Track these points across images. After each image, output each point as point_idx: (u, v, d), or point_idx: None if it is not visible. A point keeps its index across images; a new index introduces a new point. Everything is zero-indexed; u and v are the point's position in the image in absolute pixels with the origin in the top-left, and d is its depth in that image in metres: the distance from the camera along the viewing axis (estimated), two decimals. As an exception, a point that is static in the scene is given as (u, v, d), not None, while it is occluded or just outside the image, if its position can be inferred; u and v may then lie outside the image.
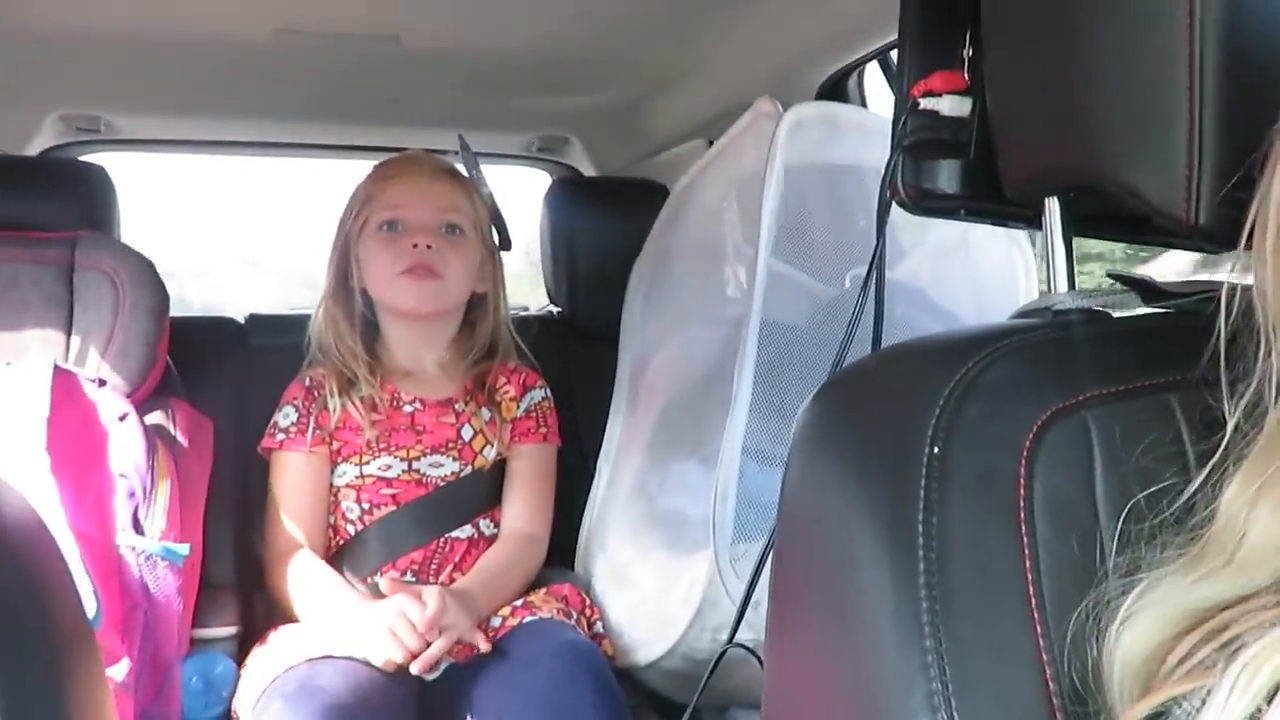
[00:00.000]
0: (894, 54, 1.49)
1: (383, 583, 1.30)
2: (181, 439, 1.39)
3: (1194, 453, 0.51)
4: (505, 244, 1.59)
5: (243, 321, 1.79)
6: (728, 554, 1.21)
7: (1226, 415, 0.49)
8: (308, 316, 1.55)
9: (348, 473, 1.46)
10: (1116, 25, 0.54)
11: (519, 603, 1.37)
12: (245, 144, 2.28)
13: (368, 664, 1.23)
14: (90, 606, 1.07)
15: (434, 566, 1.44)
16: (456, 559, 1.44)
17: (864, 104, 1.68)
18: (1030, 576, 0.48)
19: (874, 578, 0.49)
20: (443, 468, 1.47)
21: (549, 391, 1.58)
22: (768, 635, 0.59)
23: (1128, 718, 0.44)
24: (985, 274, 1.41)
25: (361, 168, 1.56)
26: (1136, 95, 0.53)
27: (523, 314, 1.97)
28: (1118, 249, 1.34)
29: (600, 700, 1.22)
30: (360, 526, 1.45)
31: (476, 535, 1.47)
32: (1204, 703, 0.42)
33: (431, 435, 1.48)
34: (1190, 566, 0.47)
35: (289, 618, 1.38)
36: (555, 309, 1.98)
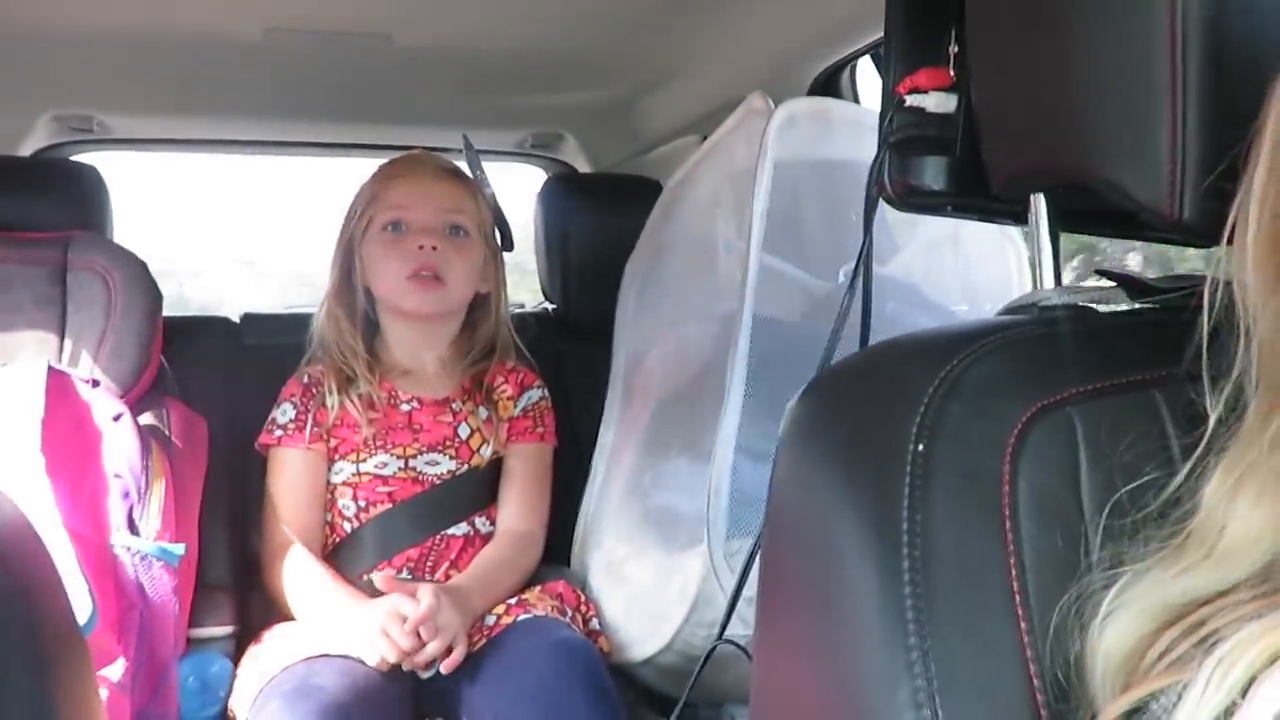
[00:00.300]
0: (885, 49, 1.48)
1: (378, 579, 1.31)
2: (176, 439, 1.39)
3: (1178, 447, 0.52)
4: (508, 244, 1.59)
5: (237, 321, 1.79)
6: (722, 550, 1.22)
7: (1209, 409, 0.49)
8: (302, 316, 1.55)
9: (344, 470, 1.46)
10: (1099, 22, 0.54)
11: (514, 601, 1.37)
12: (238, 143, 2.28)
13: (363, 663, 1.24)
14: (85, 607, 1.07)
15: (430, 564, 1.44)
16: (453, 556, 1.45)
17: (857, 99, 1.68)
18: (1014, 573, 0.48)
19: (859, 575, 0.49)
20: (439, 466, 1.47)
21: (546, 391, 1.58)
22: (756, 631, 0.59)
23: (1108, 712, 0.45)
24: (977, 269, 1.41)
25: (355, 166, 1.56)
26: (1120, 92, 0.53)
27: (517, 311, 1.97)
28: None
29: (595, 697, 1.23)
30: (356, 524, 1.45)
31: (472, 533, 1.47)
32: (1180, 697, 0.42)
33: (428, 434, 1.48)
34: (1171, 560, 0.47)
35: (285, 617, 1.38)
36: (549, 306, 1.98)
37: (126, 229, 1.70)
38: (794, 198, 1.31)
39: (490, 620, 1.34)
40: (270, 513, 1.45)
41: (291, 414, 1.47)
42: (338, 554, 1.44)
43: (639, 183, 1.91)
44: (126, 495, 1.23)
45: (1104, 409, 0.52)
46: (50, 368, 1.25)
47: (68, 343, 1.39)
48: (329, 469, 1.46)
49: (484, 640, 1.31)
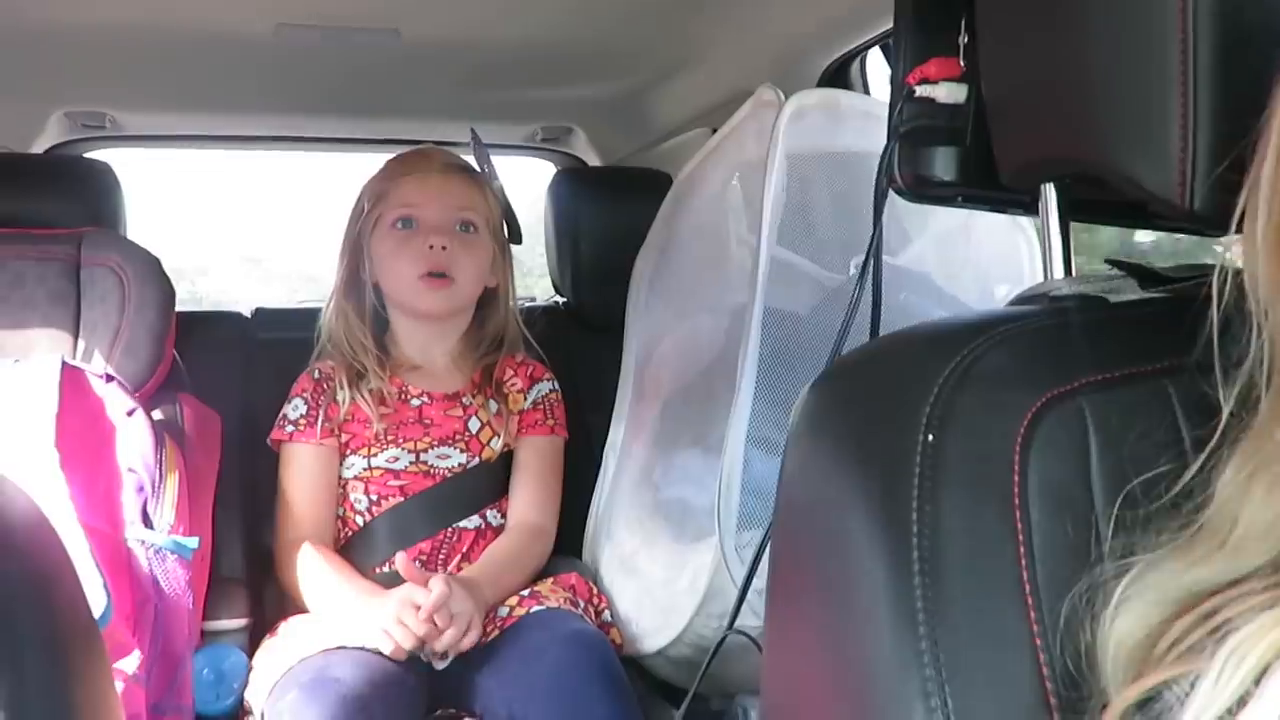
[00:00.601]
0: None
1: (399, 558, 1.31)
2: (189, 433, 1.40)
3: (1190, 438, 0.51)
4: (516, 237, 1.60)
5: (249, 315, 1.80)
6: (733, 542, 1.22)
7: (1221, 400, 0.49)
8: (313, 310, 1.56)
9: (355, 465, 1.46)
10: (1110, 11, 0.53)
11: (526, 592, 1.38)
12: (249, 138, 2.29)
13: (379, 654, 1.24)
14: (100, 600, 1.08)
15: (442, 556, 1.44)
16: (465, 549, 1.45)
17: (866, 90, 1.67)
18: (1024, 563, 0.48)
19: (869, 565, 0.50)
20: (450, 459, 1.48)
21: (556, 384, 1.58)
22: (766, 621, 0.59)
23: (1121, 701, 0.45)
24: (989, 259, 1.41)
25: (364, 161, 1.56)
26: (1130, 81, 0.53)
27: (528, 305, 1.97)
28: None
29: (608, 688, 1.23)
30: (369, 517, 1.46)
31: (484, 526, 1.48)
32: (1194, 686, 0.42)
33: (439, 428, 1.49)
34: (1184, 551, 0.47)
35: (299, 609, 1.39)
36: (560, 299, 1.98)
37: (134, 226, 1.71)
38: (804, 189, 1.31)
39: (504, 612, 1.34)
40: (283, 508, 1.45)
41: (303, 410, 1.47)
42: (351, 547, 1.45)
43: (649, 176, 1.91)
44: (140, 489, 1.24)
45: (1115, 399, 0.52)
46: (64, 363, 1.26)
47: (81, 338, 1.40)
48: (340, 464, 1.47)
49: (497, 632, 1.32)
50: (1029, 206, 0.66)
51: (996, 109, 0.64)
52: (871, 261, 0.82)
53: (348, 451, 1.47)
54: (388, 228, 1.47)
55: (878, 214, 0.78)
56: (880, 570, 0.49)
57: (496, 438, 1.51)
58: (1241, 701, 0.41)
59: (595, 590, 1.46)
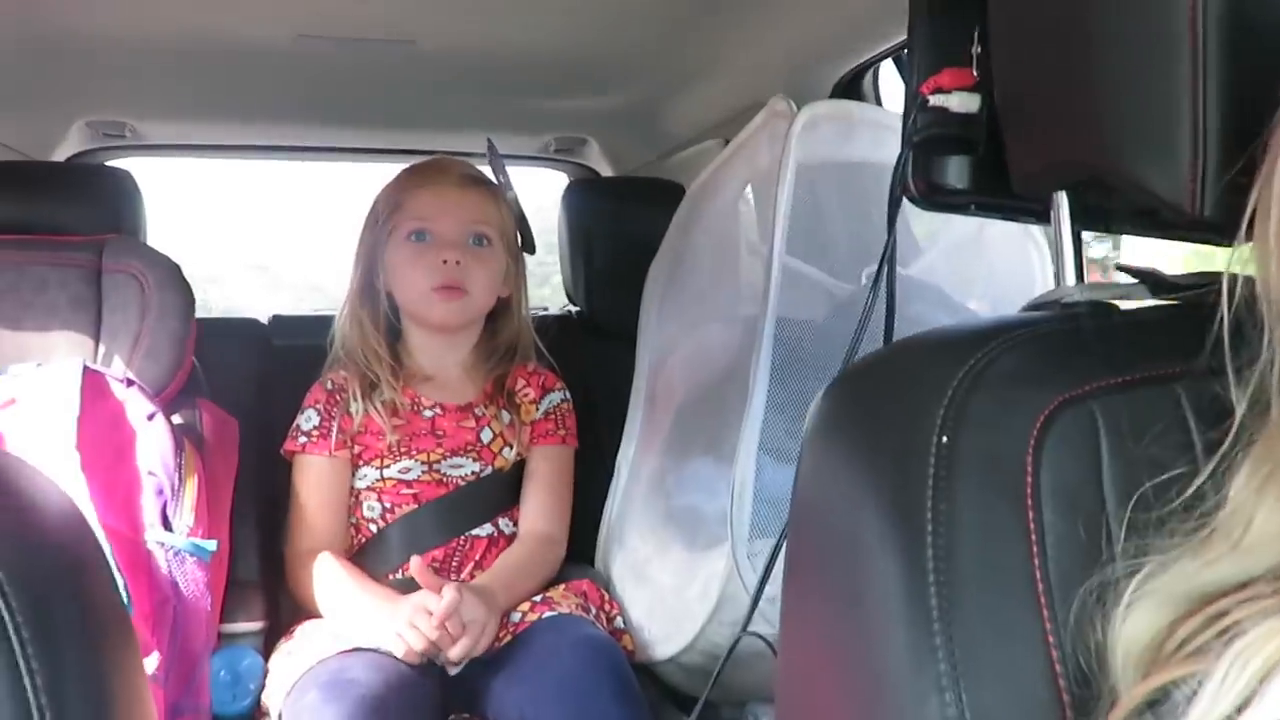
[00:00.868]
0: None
1: (414, 562, 1.31)
2: (208, 438, 1.41)
3: (1201, 441, 0.52)
4: (529, 247, 1.61)
5: (266, 322, 1.82)
6: (745, 549, 1.22)
7: (1235, 404, 0.50)
8: (329, 318, 1.57)
9: (368, 475, 1.47)
10: (1119, 18, 0.54)
11: (538, 598, 1.38)
12: (267, 148, 2.31)
13: (394, 657, 1.25)
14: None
15: (455, 564, 1.45)
16: (477, 556, 1.46)
17: (879, 101, 1.68)
18: (1037, 561, 0.49)
19: (883, 564, 0.50)
20: (463, 468, 1.49)
21: (568, 393, 1.59)
22: (782, 622, 0.60)
23: (1130, 699, 0.45)
24: (1001, 270, 1.42)
25: (373, 171, 1.57)
26: (1140, 88, 0.54)
27: (541, 314, 1.98)
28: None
29: (619, 695, 1.24)
30: (381, 525, 1.46)
31: (496, 534, 1.48)
32: (1200, 686, 0.43)
33: (451, 439, 1.49)
34: (1197, 552, 0.48)
35: (313, 613, 1.40)
36: (573, 309, 2.00)
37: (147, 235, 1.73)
38: (816, 200, 1.32)
39: (515, 618, 1.35)
40: (295, 518, 1.46)
41: (316, 421, 1.48)
42: (364, 555, 1.46)
43: (662, 186, 1.92)
44: (160, 492, 1.25)
45: (1125, 402, 0.53)
46: (86, 367, 1.28)
47: (102, 343, 1.42)
48: (353, 474, 1.48)
49: (509, 637, 1.32)
50: (1040, 214, 0.66)
51: (1009, 117, 0.65)
52: (885, 269, 0.83)
53: (360, 462, 1.48)
54: (402, 239, 1.48)
55: (891, 222, 0.79)
56: (894, 568, 0.50)
57: (509, 448, 1.51)
58: (1246, 703, 0.41)
59: (607, 597, 1.46)
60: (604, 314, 1.88)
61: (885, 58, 1.57)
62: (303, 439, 1.47)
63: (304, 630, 1.36)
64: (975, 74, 0.69)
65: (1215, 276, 0.55)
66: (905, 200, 0.76)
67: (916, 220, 1.41)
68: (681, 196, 1.64)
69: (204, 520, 1.27)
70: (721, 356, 1.47)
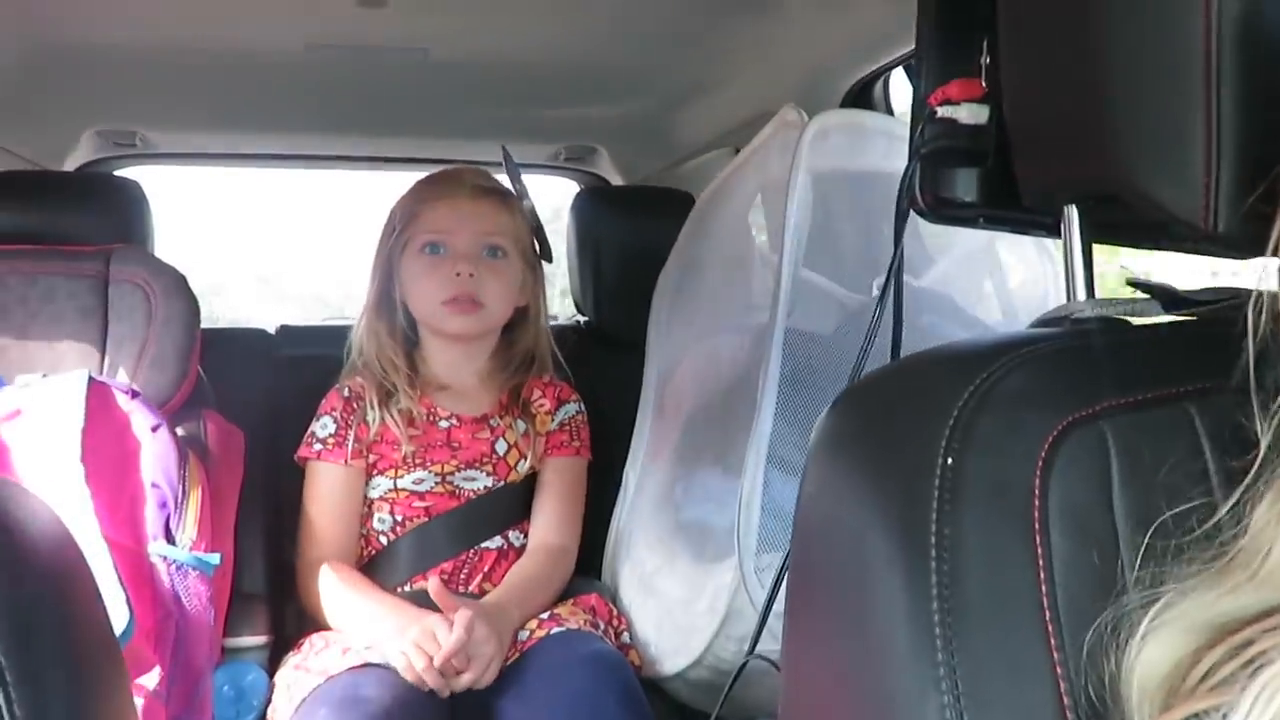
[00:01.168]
0: (918, 61, 1.48)
1: (432, 583, 1.30)
2: (213, 449, 1.41)
3: (1215, 463, 0.51)
4: (546, 256, 1.60)
5: (273, 333, 1.81)
6: (752, 563, 1.21)
7: (1258, 427, 0.48)
8: (336, 328, 1.57)
9: (381, 485, 1.47)
10: (1133, 32, 0.53)
11: (546, 615, 1.37)
12: (277, 156, 2.31)
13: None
14: (122, 616, 1.08)
15: (464, 576, 1.44)
16: (486, 569, 1.45)
17: (890, 110, 1.67)
18: (1045, 589, 0.47)
19: (887, 590, 0.49)
20: (476, 481, 1.48)
21: (582, 405, 1.58)
22: (784, 645, 0.59)
23: None
24: (1013, 282, 1.40)
25: (381, 182, 1.57)
26: (1153, 102, 0.52)
27: (550, 324, 1.97)
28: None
29: (627, 711, 1.23)
30: (392, 537, 1.46)
31: (506, 546, 1.47)
32: (1225, 718, 0.41)
33: (466, 451, 1.49)
34: (1216, 581, 0.46)
35: (320, 626, 1.39)
36: (582, 318, 1.99)
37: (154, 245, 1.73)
38: (827, 210, 1.31)
39: (524, 635, 1.34)
40: (306, 526, 1.46)
41: (331, 428, 1.47)
42: (372, 567, 1.45)
43: (671, 195, 1.92)
44: (164, 505, 1.24)
45: (1137, 422, 0.51)
46: (90, 378, 1.28)
47: (109, 353, 1.42)
48: (366, 484, 1.47)
49: (517, 654, 1.31)
50: (1051, 228, 0.65)
51: (1019, 130, 0.64)
52: (892, 282, 0.81)
53: (375, 472, 1.47)
54: (416, 251, 1.48)
55: (898, 235, 0.78)
56: (898, 594, 0.48)
57: (523, 460, 1.51)
58: None
59: (615, 611, 1.45)
60: (612, 324, 1.87)
61: (896, 67, 1.56)
62: (318, 446, 1.47)
63: (312, 644, 1.36)
64: (984, 85, 0.68)
65: (1231, 292, 0.53)
66: (914, 212, 0.75)
67: (928, 230, 1.40)
68: (691, 206, 1.63)
69: (207, 533, 1.27)
70: (730, 367, 1.46)
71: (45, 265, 1.46)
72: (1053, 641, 0.46)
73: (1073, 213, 0.62)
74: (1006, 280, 1.41)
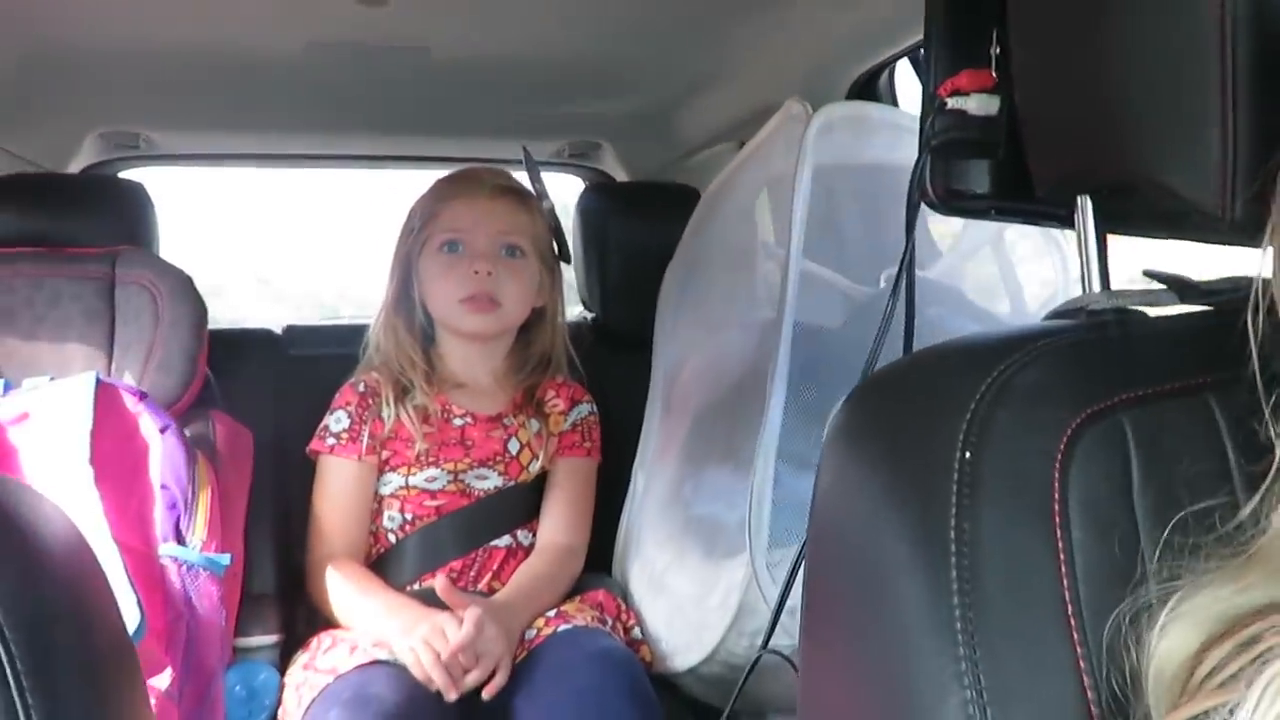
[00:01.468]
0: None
1: (440, 581, 1.30)
2: (221, 450, 1.41)
3: (1234, 454, 0.50)
4: (565, 256, 1.60)
5: (279, 332, 1.81)
6: (764, 559, 1.21)
7: (1269, 426, 0.48)
8: (344, 327, 1.57)
9: (393, 482, 1.47)
10: (1147, 20, 0.53)
11: (553, 612, 1.37)
12: (280, 157, 2.31)
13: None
14: (134, 617, 1.08)
15: (472, 574, 1.44)
16: (495, 568, 1.45)
17: (895, 102, 1.66)
18: (1066, 583, 0.47)
19: (906, 585, 0.49)
20: (487, 480, 1.48)
21: (594, 405, 1.58)
22: (800, 641, 0.59)
23: None
24: (1022, 273, 1.40)
25: (380, 182, 1.57)
26: (1168, 91, 0.52)
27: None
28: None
29: (637, 707, 1.22)
30: (400, 535, 1.46)
31: (515, 545, 1.47)
32: (1232, 715, 0.41)
33: (479, 449, 1.49)
34: (1232, 576, 0.46)
35: (330, 625, 1.39)
36: (588, 315, 1.98)
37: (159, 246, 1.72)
38: (833, 203, 1.31)
39: (531, 633, 1.34)
40: (315, 523, 1.45)
41: (345, 423, 1.47)
42: (381, 564, 1.45)
43: (677, 191, 1.91)
44: (173, 506, 1.24)
45: (1155, 414, 0.51)
46: (99, 380, 1.27)
47: (115, 356, 1.42)
48: (377, 480, 1.47)
49: (525, 653, 1.31)
50: (1064, 219, 0.65)
51: (1030, 120, 0.63)
52: (904, 275, 0.81)
53: (387, 468, 1.47)
54: (435, 250, 1.48)
55: (910, 227, 0.77)
56: (917, 590, 0.48)
57: (535, 460, 1.51)
58: None
59: (624, 607, 1.45)
60: (619, 320, 1.87)
61: (901, 58, 1.55)
62: (331, 440, 1.46)
63: (319, 642, 1.35)
64: (994, 75, 0.67)
65: (1245, 282, 0.53)
66: (924, 204, 0.75)
67: (935, 222, 1.40)
68: (697, 201, 1.63)
69: (216, 534, 1.27)
70: (738, 362, 1.46)
71: (51, 268, 1.46)
72: (1075, 636, 0.46)
73: (1087, 203, 0.62)
74: (1015, 271, 1.40)
